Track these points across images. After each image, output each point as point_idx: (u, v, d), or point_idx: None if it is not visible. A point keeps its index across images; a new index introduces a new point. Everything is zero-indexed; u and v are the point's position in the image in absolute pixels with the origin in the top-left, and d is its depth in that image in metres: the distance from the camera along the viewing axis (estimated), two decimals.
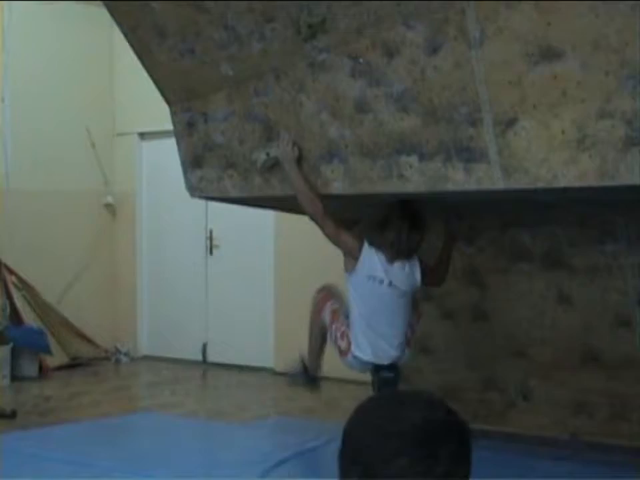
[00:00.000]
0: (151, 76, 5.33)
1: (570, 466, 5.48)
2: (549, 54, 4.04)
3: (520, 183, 4.31)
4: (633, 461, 5.57)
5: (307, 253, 8.98)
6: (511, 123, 4.23)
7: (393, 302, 5.43)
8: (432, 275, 5.66)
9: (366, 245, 5.37)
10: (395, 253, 5.38)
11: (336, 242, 5.37)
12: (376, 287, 5.38)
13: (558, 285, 6.00)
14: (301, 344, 9.05)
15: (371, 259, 5.37)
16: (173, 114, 5.45)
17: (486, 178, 4.38)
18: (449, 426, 1.50)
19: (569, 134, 4.10)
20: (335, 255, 6.83)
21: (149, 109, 8.79)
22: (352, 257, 5.41)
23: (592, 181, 4.11)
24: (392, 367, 5.56)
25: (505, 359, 6.28)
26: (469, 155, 4.40)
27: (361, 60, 4.59)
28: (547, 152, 4.17)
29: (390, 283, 5.38)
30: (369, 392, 6.68)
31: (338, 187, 4.91)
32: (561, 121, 4.10)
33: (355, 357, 5.53)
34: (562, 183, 4.19)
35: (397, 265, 5.41)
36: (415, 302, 5.68)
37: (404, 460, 1.44)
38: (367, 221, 5.64)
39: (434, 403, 1.53)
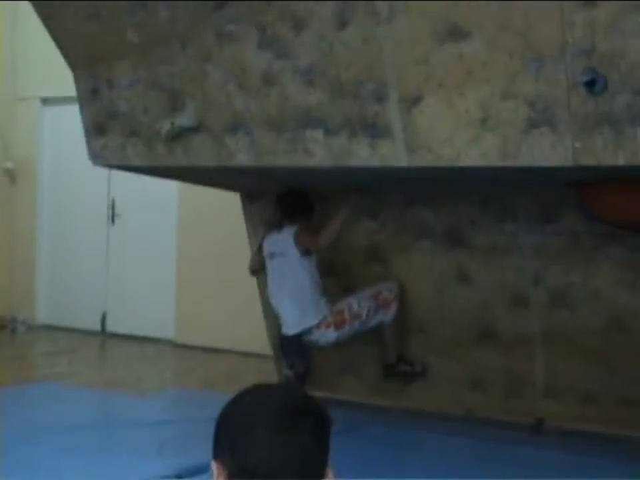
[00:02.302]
0: (55, 40, 5.21)
1: (462, 440, 5.57)
2: (456, 33, 4.07)
3: (423, 160, 4.35)
4: (524, 437, 5.69)
5: (210, 224, 8.93)
6: (416, 100, 4.26)
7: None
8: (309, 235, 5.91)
9: None
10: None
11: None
12: None
13: (458, 262, 6.08)
14: (201, 316, 9.06)
15: None
16: (77, 79, 5.34)
17: (390, 154, 4.41)
18: (308, 408, 1.63)
19: (472, 113, 4.14)
20: (238, 227, 6.82)
21: (52, 73, 8.61)
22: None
23: (494, 161, 4.17)
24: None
25: (405, 335, 6.34)
26: (373, 131, 4.42)
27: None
28: (450, 131, 4.21)
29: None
30: (269, 364, 6.70)
31: (242, 159, 4.88)
32: (465, 101, 4.15)
33: None
34: (464, 161, 4.24)
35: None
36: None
37: (263, 429, 1.57)
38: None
39: (294, 392, 1.69)
